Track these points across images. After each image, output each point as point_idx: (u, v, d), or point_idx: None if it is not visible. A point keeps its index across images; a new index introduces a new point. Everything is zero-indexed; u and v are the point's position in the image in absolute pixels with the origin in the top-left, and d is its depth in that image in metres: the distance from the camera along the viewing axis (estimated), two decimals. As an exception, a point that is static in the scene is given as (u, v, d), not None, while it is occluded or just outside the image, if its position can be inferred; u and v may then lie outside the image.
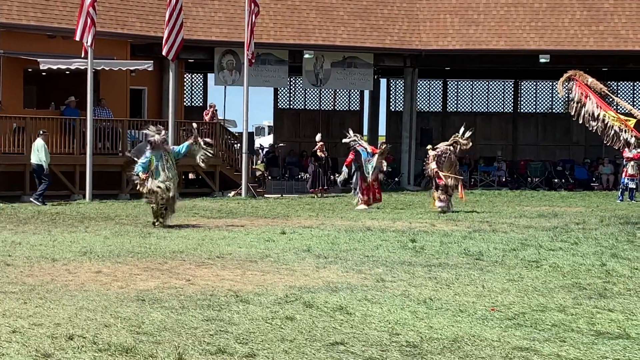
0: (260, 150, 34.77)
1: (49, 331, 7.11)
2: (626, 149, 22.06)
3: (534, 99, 34.87)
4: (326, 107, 34.93)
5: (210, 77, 32.19)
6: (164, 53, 23.10)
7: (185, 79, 31.13)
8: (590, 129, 17.17)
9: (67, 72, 23.70)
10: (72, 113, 23.57)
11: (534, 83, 34.74)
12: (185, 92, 31.58)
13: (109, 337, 6.92)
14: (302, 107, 34.65)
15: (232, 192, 24.98)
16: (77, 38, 21.90)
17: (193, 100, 34.22)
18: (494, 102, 34.98)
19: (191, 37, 26.33)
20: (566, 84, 17.89)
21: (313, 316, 7.79)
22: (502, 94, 34.94)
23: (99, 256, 11.52)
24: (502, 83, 34.87)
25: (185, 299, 8.55)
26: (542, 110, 34.97)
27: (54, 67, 22.75)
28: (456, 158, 20.00)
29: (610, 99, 19.37)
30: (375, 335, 7.10)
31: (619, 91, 33.93)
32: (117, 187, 23.59)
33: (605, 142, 17.36)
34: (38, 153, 21.05)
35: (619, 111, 19.71)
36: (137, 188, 16.22)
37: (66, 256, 11.51)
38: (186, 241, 13.39)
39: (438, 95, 35.10)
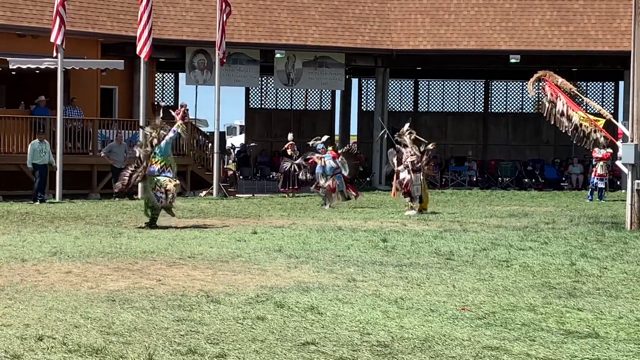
0: (231, 150, 34.69)
1: (18, 332, 7.05)
2: (596, 149, 22.24)
3: (505, 99, 35.06)
4: (298, 106, 34.90)
5: (182, 76, 32.06)
6: (137, 52, 22.97)
7: (156, 79, 30.96)
8: (561, 129, 17.28)
9: (37, 72, 23.51)
10: (42, 112, 23.40)
11: (505, 83, 34.94)
12: (156, 91, 31.42)
13: (79, 338, 6.87)
14: (274, 106, 34.60)
15: (204, 192, 24.91)
16: (53, 39, 21.72)
17: (164, 99, 34.02)
18: (465, 102, 35.15)
19: (162, 37, 26.23)
20: (536, 84, 18.00)
21: (284, 316, 7.79)
22: (473, 94, 35.11)
23: (69, 256, 11.44)
24: (473, 83, 35.04)
25: (156, 299, 8.51)
26: (512, 110, 35.17)
27: (24, 67, 22.58)
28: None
29: (580, 99, 19.50)
30: (346, 335, 7.10)
31: (588, 91, 34.20)
32: (87, 187, 23.44)
33: (575, 142, 17.49)
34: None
35: (588, 111, 19.86)
36: (136, 180, 15.81)
37: (36, 256, 11.42)
38: (157, 241, 13.33)
39: (409, 95, 35.19)
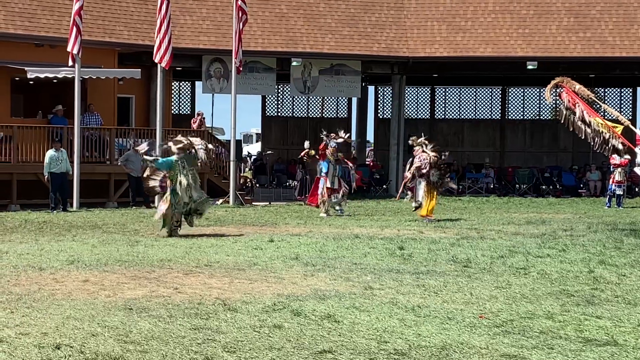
0: (248, 158, 34.75)
1: (36, 340, 7.08)
2: (614, 156, 22.14)
3: (522, 105, 34.97)
4: (314, 114, 34.95)
5: (198, 85, 32.19)
6: (156, 60, 23.05)
7: (173, 87, 31.10)
8: (579, 135, 17.22)
9: (55, 81, 23.66)
10: (59, 122, 23.53)
11: (522, 90, 34.85)
12: (173, 100, 31.55)
13: (96, 347, 6.89)
14: (290, 114, 34.66)
15: (220, 200, 24.94)
16: (69, 49, 21.84)
17: (181, 108, 34.18)
18: (482, 109, 35.08)
19: (179, 45, 26.30)
20: (554, 90, 17.95)
21: (301, 324, 7.78)
22: (490, 101, 35.04)
23: (86, 265, 11.48)
24: (490, 90, 34.97)
25: (172, 307, 8.52)
26: (529, 117, 35.07)
27: (42, 76, 22.71)
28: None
29: (598, 106, 19.42)
30: (363, 343, 7.09)
31: (606, 98, 34.06)
32: (104, 195, 23.53)
33: (593, 148, 17.42)
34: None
35: (606, 118, 19.76)
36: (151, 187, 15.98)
37: (53, 265, 11.46)
38: (174, 249, 13.35)
39: (426, 102, 35.17)
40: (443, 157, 19.79)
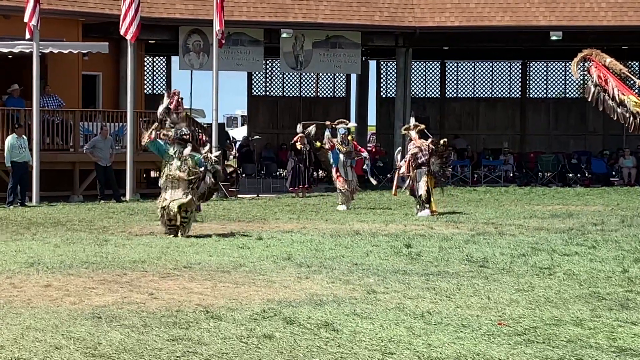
0: (232, 144, 34.75)
1: (-10, 355, 7.08)
2: (650, 139, 22.18)
3: (545, 82, 35.02)
4: (307, 93, 34.94)
5: (175, 60, 32.12)
6: (122, 32, 23.00)
7: (145, 63, 31.03)
8: (611, 116, 17.23)
9: (10, 56, 23.59)
10: (15, 103, 23.49)
11: (545, 64, 34.88)
12: (145, 77, 31.50)
13: (60, 361, 6.90)
14: (280, 93, 34.65)
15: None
16: (27, 19, 21.78)
17: (155, 87, 34.13)
18: (499, 86, 35.11)
19: (152, 15, 26.27)
20: (581, 64, 17.94)
21: (294, 334, 7.79)
22: (509, 77, 35.06)
23: (48, 267, 11.47)
24: (508, 64, 34.99)
25: (147, 315, 8.53)
26: (553, 95, 35.12)
27: (-6, 51, 22.68)
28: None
29: (632, 82, 19.41)
30: (365, 355, 7.11)
31: (641, 72, 34.07)
32: (68, 188, 23.52)
33: (627, 131, 17.44)
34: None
35: (641, 95, 19.75)
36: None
37: (10, 268, 11.45)
38: (148, 249, 13.35)
39: (435, 79, 35.19)
40: (442, 143, 19.79)
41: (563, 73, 34.72)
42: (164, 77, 34.35)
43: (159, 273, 11.14)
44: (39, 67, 22.34)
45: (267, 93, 34.62)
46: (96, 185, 23.13)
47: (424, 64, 34.92)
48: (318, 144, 22.74)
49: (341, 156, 21.20)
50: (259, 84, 34.63)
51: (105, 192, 22.83)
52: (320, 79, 34.93)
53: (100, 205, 21.56)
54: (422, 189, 19.18)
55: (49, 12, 23.49)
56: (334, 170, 21.47)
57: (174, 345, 7.37)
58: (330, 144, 21.26)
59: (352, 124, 22.56)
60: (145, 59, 30.83)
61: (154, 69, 34.15)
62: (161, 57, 33.93)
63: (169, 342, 7.49)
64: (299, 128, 26.34)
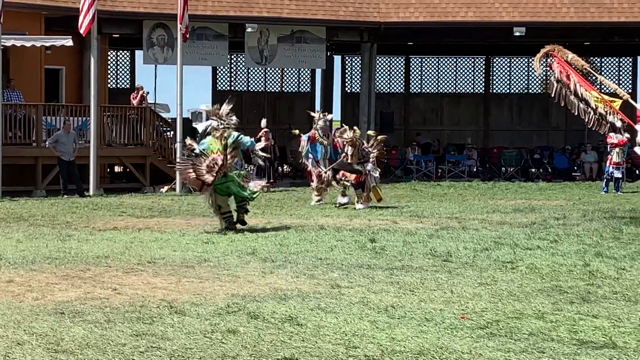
0: (197, 138, 34.60)
1: (-48, 351, 7.02)
2: (611, 134, 22.35)
3: (508, 77, 35.22)
4: (272, 88, 34.92)
5: (139, 54, 31.95)
6: (78, 26, 22.86)
7: (109, 57, 30.87)
8: (572, 111, 17.35)
9: (-29, 50, 23.36)
10: (-23, 97, 23.25)
11: (508, 59, 35.08)
12: (109, 72, 31.32)
13: (22, 357, 6.84)
14: (245, 88, 34.60)
15: (165, 187, 24.69)
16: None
17: (119, 81, 33.97)
18: (463, 82, 35.27)
19: (115, 9, 26.12)
20: (544, 60, 18.07)
21: (259, 328, 7.79)
22: (472, 73, 35.24)
23: (10, 263, 11.39)
24: (472, 60, 35.16)
25: (111, 311, 8.49)
26: (517, 91, 35.32)
27: (-45, 44, 22.44)
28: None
29: (594, 77, 19.63)
30: (329, 349, 7.11)
31: (602, 68, 34.36)
32: (31, 183, 23.34)
33: (588, 126, 17.57)
34: None
35: (602, 91, 19.94)
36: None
37: (-28, 263, 11.36)
38: (112, 244, 13.29)
39: (400, 75, 35.28)
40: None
41: (526, 69, 34.95)
42: (128, 72, 34.18)
43: (123, 268, 11.10)
44: (0, 61, 22.12)
45: (232, 88, 34.54)
46: (59, 180, 22.95)
47: (389, 59, 34.99)
48: (296, 131, 22.49)
49: (322, 149, 20.95)
50: (224, 79, 34.57)
51: (69, 187, 22.67)
52: (285, 73, 34.91)
53: (63, 200, 21.41)
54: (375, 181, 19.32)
55: (11, 5, 23.27)
56: (309, 164, 21.01)
57: (138, 341, 7.34)
58: (311, 137, 21.00)
59: (330, 116, 22.37)
60: (109, 53, 30.67)
61: (118, 63, 33.97)
62: (125, 51, 33.75)
63: (133, 337, 7.46)
64: (263, 123, 26.32)
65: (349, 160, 19.23)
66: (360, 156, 19.18)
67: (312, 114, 22.17)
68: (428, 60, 35.24)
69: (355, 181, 19.27)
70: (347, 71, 35.07)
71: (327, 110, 34.00)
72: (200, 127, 16.39)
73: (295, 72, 34.67)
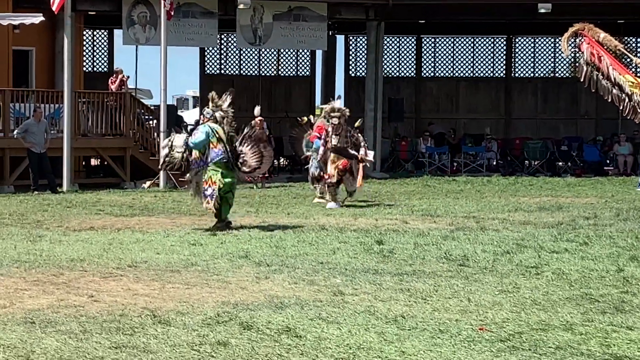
0: (183, 128, 34.64)
1: None
2: (648, 123, 22.35)
3: (532, 59, 35.22)
4: (267, 72, 34.91)
5: (118, 34, 31.99)
6: (50, 2, 22.88)
7: (85, 37, 30.88)
8: (604, 97, 17.35)
9: None
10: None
11: (532, 40, 35.06)
12: (85, 53, 31.33)
13: (-12, 372, 6.86)
14: (237, 72, 34.61)
15: (148, 183, 24.87)
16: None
17: (95, 64, 33.99)
18: (482, 65, 35.28)
19: (92, -17, 26.10)
20: (572, 40, 18.05)
21: (252, 340, 7.80)
22: (492, 54, 35.24)
23: (-26, 267, 11.41)
24: (492, 40, 35.16)
25: (87, 320, 8.50)
26: (542, 74, 35.31)
27: None
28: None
29: (629, 59, 19.63)
30: (332, 364, 7.13)
31: (639, 49, 34.35)
32: (-3, 178, 23.37)
33: (622, 114, 17.56)
34: None
35: (638, 75, 19.94)
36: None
37: None
38: (88, 246, 13.30)
39: (410, 56, 35.29)
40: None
41: (552, 50, 34.94)
42: (105, 53, 34.21)
43: (100, 273, 11.10)
44: (-37, 41, 22.18)
45: (222, 71, 34.55)
46: (29, 174, 22.97)
47: (398, 40, 34.99)
48: (305, 119, 22.36)
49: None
50: (213, 61, 34.55)
51: (40, 182, 22.69)
52: (282, 55, 34.91)
53: (33, 197, 21.42)
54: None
55: (-25, -22, 23.30)
56: (319, 159, 20.81)
57: (117, 354, 7.35)
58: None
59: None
60: (85, 33, 30.69)
61: (95, 43, 33.98)
62: (102, 31, 33.77)
63: (112, 349, 7.47)
64: (257, 111, 26.26)
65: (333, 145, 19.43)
66: (350, 143, 19.31)
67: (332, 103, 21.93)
68: (442, 40, 35.23)
69: (342, 167, 19.25)
70: (351, 53, 35.08)
71: (329, 97, 34.16)
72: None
73: (293, 53, 34.66)
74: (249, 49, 33.23)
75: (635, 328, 8.30)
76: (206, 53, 34.26)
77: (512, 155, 32.10)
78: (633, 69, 19.97)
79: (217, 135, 15.34)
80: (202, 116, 15.84)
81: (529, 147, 31.76)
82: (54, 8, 22.92)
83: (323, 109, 21.43)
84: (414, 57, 35.18)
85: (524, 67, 35.24)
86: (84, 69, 30.14)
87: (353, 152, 19.39)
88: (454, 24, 33.71)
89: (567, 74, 34.99)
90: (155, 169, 24.85)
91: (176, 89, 51.39)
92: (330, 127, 19.52)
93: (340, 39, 34.74)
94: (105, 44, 34.16)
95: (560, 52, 33.47)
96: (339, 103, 21.52)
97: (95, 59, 33.97)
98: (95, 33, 33.71)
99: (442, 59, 35.30)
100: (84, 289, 10.05)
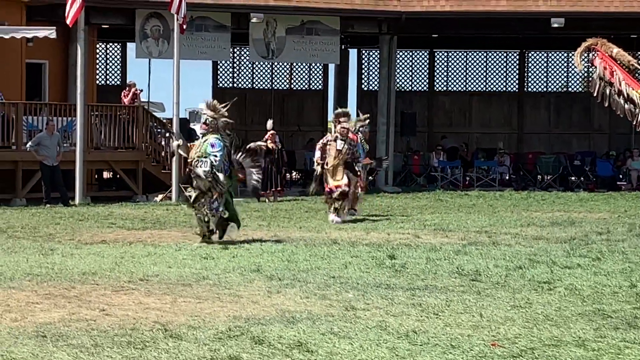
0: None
1: None
2: (661, 138, 22.31)
3: (545, 74, 35.18)
4: (280, 85, 34.94)
5: (131, 47, 32.06)
6: (65, 16, 22.95)
7: (98, 50, 30.96)
8: (617, 112, 17.32)
9: (-56, 42, 23.47)
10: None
11: (545, 54, 35.04)
12: (98, 67, 31.41)
13: (-1, 386, 6.87)
14: (249, 85, 34.65)
15: (160, 196, 24.89)
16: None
17: (108, 77, 34.05)
18: (494, 79, 35.25)
19: (105, -4, 26.18)
20: (585, 55, 18.01)
21: (264, 355, 7.79)
22: (505, 69, 35.22)
23: (-14, 280, 11.43)
24: (505, 54, 35.14)
25: (98, 334, 8.50)
26: (554, 89, 35.28)
27: None
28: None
29: (642, 75, 19.47)
30: (343, 379, 7.12)
31: (652, 65, 34.22)
32: (10, 190, 23.39)
33: (636, 129, 17.53)
34: None
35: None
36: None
37: (-57, 280, 11.39)
38: (100, 259, 13.31)
39: (423, 71, 35.29)
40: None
41: (565, 64, 34.91)
42: (118, 66, 34.28)
43: (112, 286, 11.10)
44: (-23, 54, 22.25)
45: (235, 85, 34.60)
46: (41, 187, 23.01)
47: (411, 54, 35.00)
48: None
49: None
50: (226, 75, 34.61)
51: (52, 195, 22.72)
52: (295, 69, 34.95)
53: (45, 210, 21.46)
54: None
55: (-12, -8, 23.40)
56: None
57: (128, 368, 7.35)
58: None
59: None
60: (98, 46, 30.76)
61: (108, 56, 34.07)
62: (116, 44, 33.85)
63: (123, 364, 7.47)
64: (269, 124, 26.34)
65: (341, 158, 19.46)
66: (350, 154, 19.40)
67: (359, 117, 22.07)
68: (455, 54, 35.24)
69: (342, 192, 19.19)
70: (363, 67, 35.10)
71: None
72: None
73: (306, 67, 34.70)
74: (261, 63, 33.27)
75: (649, 344, 8.28)
76: (219, 66, 34.31)
77: (525, 169, 32.06)
78: (646, 84, 19.85)
79: (227, 147, 15.38)
80: (203, 124, 15.69)
81: (542, 161, 31.72)
82: (68, 21, 22.98)
83: (355, 120, 21.54)
84: (427, 71, 35.19)
85: (537, 82, 35.22)
86: (97, 82, 30.22)
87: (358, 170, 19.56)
88: (467, 39, 33.73)
89: (580, 89, 34.95)
90: (167, 182, 24.92)
91: (188, 102, 51.33)
92: (338, 132, 19.49)
93: (352, 52, 34.80)
94: (118, 57, 34.24)
95: (573, 67, 33.48)
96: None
97: (108, 72, 34.05)
98: (108, 46, 33.79)
99: (454, 73, 35.30)
100: (96, 303, 10.06)
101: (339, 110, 20.22)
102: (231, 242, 15.25)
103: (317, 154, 19.69)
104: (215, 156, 15.03)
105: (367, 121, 21.95)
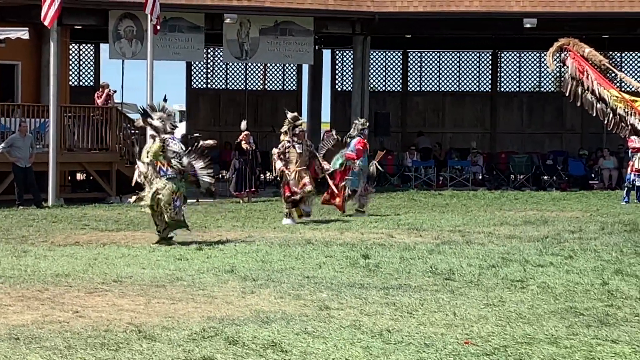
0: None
1: None
2: (633, 138, 22.39)
3: (517, 74, 35.30)
4: (254, 86, 34.92)
5: (104, 48, 31.97)
6: (42, 17, 22.84)
7: (71, 51, 30.84)
8: (589, 112, 17.41)
9: None
10: None
11: (517, 54, 35.16)
12: (71, 67, 31.30)
13: (-29, 388, 6.83)
14: (223, 86, 34.61)
15: (133, 197, 24.65)
16: None
17: (81, 78, 33.97)
18: (467, 79, 35.36)
19: (78, -3, 26.08)
20: (557, 55, 18.11)
21: (238, 355, 7.78)
22: (477, 69, 35.32)
23: (-42, 282, 11.37)
24: (478, 55, 35.24)
25: (72, 336, 8.47)
26: (527, 89, 35.39)
27: None
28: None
29: (613, 74, 19.66)
30: (317, 379, 7.12)
31: (623, 64, 34.48)
32: (-18, 192, 23.29)
33: (607, 128, 17.62)
34: None
35: (623, 90, 20.03)
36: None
37: None
38: (73, 261, 13.26)
39: (396, 71, 35.33)
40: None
41: (538, 64, 35.03)
42: (91, 67, 34.21)
43: (85, 288, 11.07)
44: (-52, 56, 22.13)
45: (209, 86, 34.56)
46: (14, 189, 22.90)
47: (384, 54, 35.04)
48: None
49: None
50: (200, 76, 34.56)
51: (24, 196, 22.62)
52: (268, 70, 34.94)
53: (18, 212, 21.36)
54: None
55: (-40, -7, 23.26)
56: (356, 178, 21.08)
57: (102, 369, 7.33)
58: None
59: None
60: (71, 47, 30.63)
61: (81, 57, 33.98)
62: (89, 45, 33.78)
63: (96, 365, 7.45)
64: (244, 125, 26.29)
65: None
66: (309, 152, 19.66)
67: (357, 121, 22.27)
68: (428, 55, 35.31)
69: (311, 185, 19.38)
70: (337, 67, 35.11)
71: (315, 111, 34.19)
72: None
73: (280, 68, 34.70)
74: (235, 64, 33.24)
75: (620, 341, 8.31)
76: (193, 67, 34.26)
77: (498, 169, 32.15)
78: (617, 84, 20.02)
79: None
80: (161, 126, 15.85)
81: (515, 161, 31.82)
82: (46, 22, 22.81)
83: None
84: (400, 71, 35.24)
85: (510, 82, 35.33)
86: (70, 83, 30.12)
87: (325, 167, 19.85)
88: (440, 39, 33.80)
89: (553, 89, 35.10)
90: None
91: (162, 103, 51.48)
92: (295, 136, 19.52)
93: (326, 53, 34.80)
94: (91, 58, 34.15)
95: (545, 67, 33.54)
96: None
97: (81, 73, 33.95)
98: (81, 47, 33.69)
99: (428, 74, 35.37)
100: (69, 305, 10.02)
101: (294, 114, 20.17)
102: (206, 243, 15.23)
103: (279, 164, 19.49)
104: (175, 142, 15.40)
105: (367, 124, 22.20)
